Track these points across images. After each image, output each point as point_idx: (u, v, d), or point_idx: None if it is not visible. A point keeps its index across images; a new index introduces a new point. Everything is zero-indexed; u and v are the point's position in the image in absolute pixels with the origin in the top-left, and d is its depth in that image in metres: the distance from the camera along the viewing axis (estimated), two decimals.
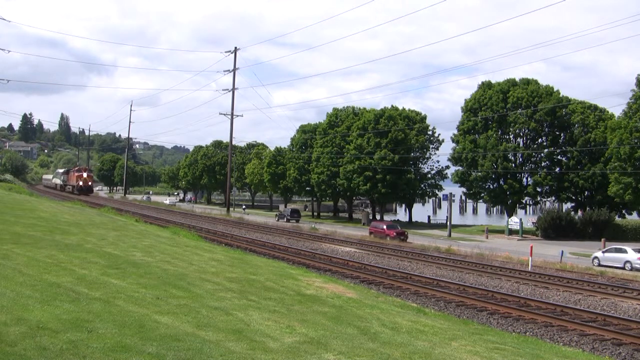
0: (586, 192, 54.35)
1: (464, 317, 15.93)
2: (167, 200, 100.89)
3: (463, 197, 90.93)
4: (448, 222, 49.52)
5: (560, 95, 55.19)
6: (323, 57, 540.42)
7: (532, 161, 55.67)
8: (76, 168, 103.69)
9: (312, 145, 73.30)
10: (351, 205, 76.92)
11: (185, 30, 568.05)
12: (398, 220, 76.09)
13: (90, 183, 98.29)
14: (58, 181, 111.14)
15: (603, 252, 32.66)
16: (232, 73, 63.82)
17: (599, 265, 31.58)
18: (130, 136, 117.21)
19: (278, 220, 60.84)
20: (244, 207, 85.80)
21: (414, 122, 64.50)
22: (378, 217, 70.54)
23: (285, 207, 74.59)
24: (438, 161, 66.70)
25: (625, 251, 31.55)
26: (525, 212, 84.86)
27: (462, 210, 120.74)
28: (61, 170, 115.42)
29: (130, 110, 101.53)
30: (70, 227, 18.82)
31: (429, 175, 66.44)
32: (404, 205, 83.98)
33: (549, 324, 15.36)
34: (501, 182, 55.53)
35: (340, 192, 69.53)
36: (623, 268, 30.20)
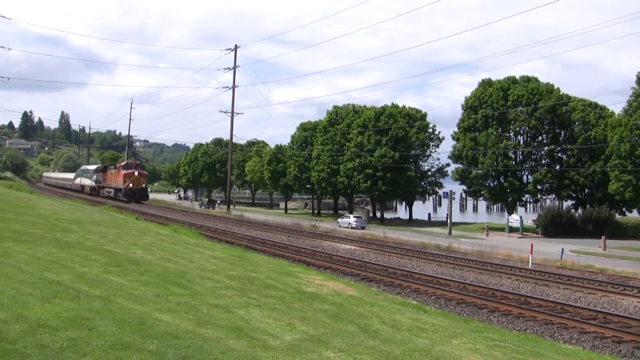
0: (586, 190, 54.33)
1: (465, 314, 15.92)
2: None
3: (463, 195, 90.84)
4: (448, 220, 49.48)
5: (561, 93, 55.16)
6: (323, 55, 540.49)
7: (532, 159, 55.66)
8: (122, 163, 74.53)
9: (312, 143, 73.29)
10: (351, 203, 76.92)
11: (185, 27, 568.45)
12: (398, 218, 76.16)
13: (144, 185, 72.09)
14: (87, 182, 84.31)
15: (340, 219, 53.82)
16: (232, 71, 63.83)
17: (339, 226, 49.83)
18: (131, 134, 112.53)
19: (201, 207, 75.15)
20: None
21: (415, 119, 64.44)
22: (378, 214, 70.56)
23: (208, 197, 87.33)
24: (438, 159, 66.69)
25: (349, 217, 52.80)
26: (526, 209, 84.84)
27: (463, 208, 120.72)
28: (92, 167, 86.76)
29: (131, 108, 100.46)
30: (71, 224, 18.82)
31: (430, 173, 66.38)
32: (404, 203, 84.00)
33: (549, 321, 15.36)
34: (501, 179, 55.51)
35: (341, 190, 69.53)
36: (348, 227, 48.92)
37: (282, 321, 8.40)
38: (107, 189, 75.17)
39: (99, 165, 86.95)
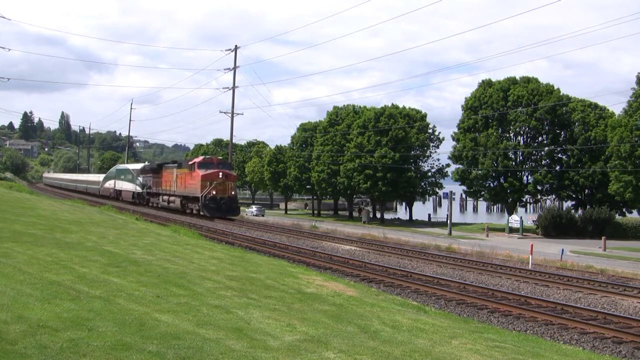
0: (586, 190, 54.35)
1: (465, 315, 15.91)
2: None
3: (463, 196, 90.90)
4: (448, 221, 49.46)
5: (561, 94, 55.23)
6: (324, 55, 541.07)
7: (532, 159, 55.69)
8: (198, 160, 49.05)
9: (312, 144, 73.34)
10: (352, 203, 76.93)
11: (185, 28, 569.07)
12: (399, 218, 76.14)
13: (233, 192, 48.67)
14: (128, 186, 62.87)
15: (247, 209, 68.51)
16: (232, 71, 63.80)
17: (247, 215, 60.14)
18: (131, 134, 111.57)
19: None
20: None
21: (414, 120, 64.55)
22: (378, 215, 70.56)
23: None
24: (438, 159, 66.84)
25: (252, 207, 70.73)
26: (526, 210, 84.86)
27: (463, 208, 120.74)
28: (135, 167, 63.77)
29: (131, 108, 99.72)
30: (71, 225, 18.81)
31: (430, 174, 66.48)
32: (404, 204, 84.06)
33: (549, 322, 15.34)
34: (501, 180, 55.54)
35: (341, 191, 69.55)
36: (252, 215, 62.82)
37: (282, 322, 8.40)
38: (165, 197, 53.14)
39: (147, 163, 63.39)
